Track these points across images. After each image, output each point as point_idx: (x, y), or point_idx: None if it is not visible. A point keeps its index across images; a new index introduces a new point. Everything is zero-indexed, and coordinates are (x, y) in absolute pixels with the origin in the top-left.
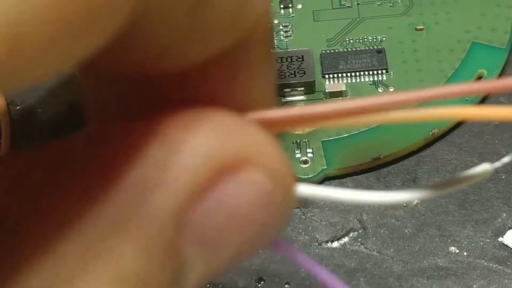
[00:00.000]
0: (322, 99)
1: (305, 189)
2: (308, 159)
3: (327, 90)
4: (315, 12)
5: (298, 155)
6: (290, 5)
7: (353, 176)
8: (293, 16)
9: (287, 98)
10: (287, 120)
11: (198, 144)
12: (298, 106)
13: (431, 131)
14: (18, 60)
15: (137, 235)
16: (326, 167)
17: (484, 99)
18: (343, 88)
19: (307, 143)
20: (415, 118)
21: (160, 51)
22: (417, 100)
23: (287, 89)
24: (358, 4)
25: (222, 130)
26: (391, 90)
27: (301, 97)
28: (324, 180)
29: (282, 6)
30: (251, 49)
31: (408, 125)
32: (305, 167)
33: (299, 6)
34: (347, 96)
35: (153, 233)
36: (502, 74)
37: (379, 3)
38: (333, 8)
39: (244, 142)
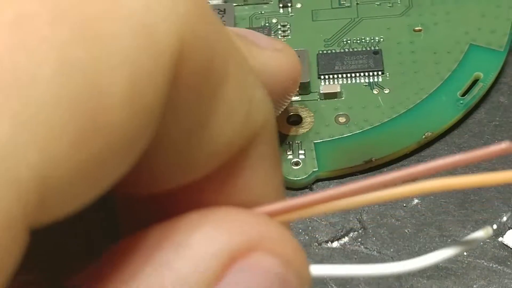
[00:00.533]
0: (317, 100)
1: (319, 270)
2: (300, 161)
3: (321, 91)
4: (314, 12)
5: (290, 157)
6: (289, 4)
7: (343, 177)
8: (292, 16)
9: None
10: (295, 208)
11: (203, 245)
12: (303, 195)
13: (424, 135)
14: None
15: None
16: (317, 169)
17: (483, 97)
18: (338, 90)
19: (300, 144)
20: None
21: (167, 174)
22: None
23: None
24: (357, 4)
25: (226, 225)
26: (386, 91)
27: (296, 98)
28: (315, 182)
29: (281, 5)
30: (255, 151)
31: (401, 129)
32: (297, 169)
33: (299, 6)
34: (342, 97)
35: None
36: (498, 77)
37: (378, 3)
38: (332, 8)
39: (250, 232)
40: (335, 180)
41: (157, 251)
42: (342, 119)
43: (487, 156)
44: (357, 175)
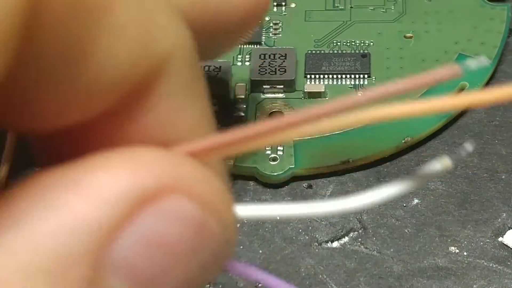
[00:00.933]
0: (301, 98)
1: (246, 210)
2: (277, 157)
3: (305, 90)
4: (307, 12)
5: (268, 152)
6: (284, 3)
7: (319, 176)
8: (285, 15)
9: (266, 95)
10: (220, 146)
11: (107, 185)
12: (231, 131)
13: (404, 139)
14: None
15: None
16: (293, 166)
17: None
18: (322, 90)
19: None
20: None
21: (45, 107)
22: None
23: (266, 86)
24: (351, 7)
25: (134, 164)
26: None
27: (280, 95)
28: (291, 178)
29: (275, 3)
30: (164, 83)
31: (382, 132)
32: (273, 165)
33: (293, 5)
34: (325, 97)
35: (69, 276)
36: (497, 78)
37: (372, 7)
38: (326, 9)
39: (163, 172)
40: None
41: (53, 192)
42: None
43: (435, 80)
44: (333, 175)
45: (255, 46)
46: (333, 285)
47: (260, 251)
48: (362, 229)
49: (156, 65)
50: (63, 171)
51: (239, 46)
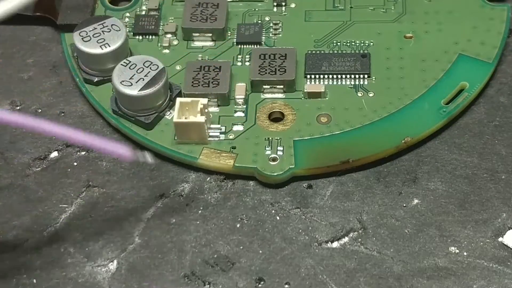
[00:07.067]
0: (301, 98)
1: None
2: (277, 157)
3: (305, 90)
4: (307, 12)
5: (268, 152)
6: (284, 4)
7: (319, 176)
8: (285, 15)
9: (266, 95)
10: None
11: None
12: None
13: (404, 140)
14: None
15: None
16: (294, 166)
17: (484, 98)
18: (322, 90)
19: (279, 141)
20: None
21: None
22: None
23: (266, 86)
24: (351, 7)
25: None
26: (371, 95)
27: (280, 95)
28: (291, 179)
29: (275, 3)
30: None
31: (382, 132)
32: (273, 165)
33: (293, 5)
34: (325, 97)
35: None
36: (485, 88)
37: (372, 8)
38: (326, 10)
39: None
40: (310, 180)
41: None
42: (323, 119)
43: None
44: (333, 175)
45: (255, 46)
46: (333, 285)
47: (260, 251)
48: (362, 229)
49: None
50: None
51: (239, 46)
